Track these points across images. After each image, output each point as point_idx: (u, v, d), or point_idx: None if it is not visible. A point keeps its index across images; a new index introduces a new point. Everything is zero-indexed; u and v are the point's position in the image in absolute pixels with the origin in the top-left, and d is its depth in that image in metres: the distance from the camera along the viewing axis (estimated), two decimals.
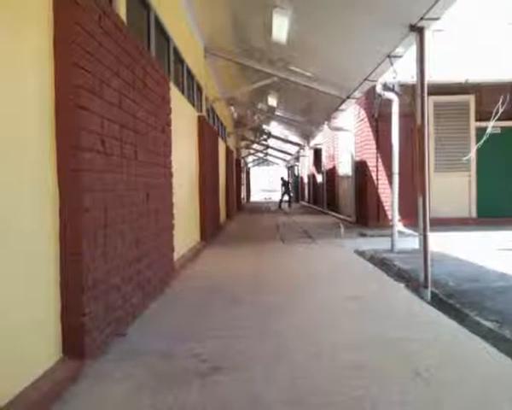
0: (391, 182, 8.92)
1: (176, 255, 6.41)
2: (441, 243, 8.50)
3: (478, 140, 11.74)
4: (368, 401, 2.69)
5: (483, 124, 11.71)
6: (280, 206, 26.37)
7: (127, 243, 4.16)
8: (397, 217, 8.71)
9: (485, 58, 11.36)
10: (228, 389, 2.88)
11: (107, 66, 3.68)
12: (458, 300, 4.97)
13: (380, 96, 10.07)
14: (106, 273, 3.60)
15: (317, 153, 24.04)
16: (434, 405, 2.66)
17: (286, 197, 27.42)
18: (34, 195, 2.86)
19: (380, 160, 12.69)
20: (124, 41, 4.15)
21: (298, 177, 36.12)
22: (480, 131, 11.71)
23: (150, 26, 6.23)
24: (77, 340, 3.15)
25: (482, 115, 12.13)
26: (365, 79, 9.14)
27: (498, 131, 11.96)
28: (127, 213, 4.16)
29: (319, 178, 23.81)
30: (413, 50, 5.77)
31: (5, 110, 2.56)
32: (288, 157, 37.15)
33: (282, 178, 28.47)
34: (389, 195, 10.35)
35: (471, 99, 12.56)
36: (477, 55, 11.37)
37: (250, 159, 41.91)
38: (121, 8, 4.79)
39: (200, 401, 2.75)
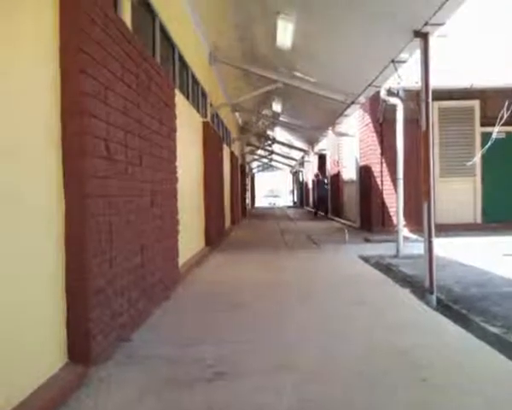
0: (396, 187, 8.90)
1: (181, 261, 6.41)
2: (447, 248, 8.46)
3: (483, 145, 11.70)
4: (374, 409, 2.68)
5: (488, 129, 11.65)
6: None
7: (132, 248, 4.16)
8: (402, 222, 8.68)
9: (490, 63, 11.33)
10: (231, 395, 2.87)
11: (112, 72, 3.71)
12: (464, 305, 4.95)
13: (384, 101, 10.07)
14: (111, 279, 3.60)
15: (322, 158, 24.02)
16: None
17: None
18: (39, 200, 2.87)
19: (384, 165, 12.67)
20: (129, 47, 4.17)
21: (302, 182, 36.05)
22: (486, 137, 11.66)
23: (155, 32, 6.26)
24: (82, 345, 3.15)
25: (487, 120, 12.09)
26: (369, 85, 9.14)
27: (503, 136, 11.91)
28: (132, 219, 4.17)
29: None
30: (417, 55, 5.77)
31: (11, 118, 2.58)
32: (292, 162, 37.15)
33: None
34: (394, 200, 10.32)
35: (476, 104, 12.53)
36: (482, 60, 11.34)
37: (255, 164, 41.92)
38: (126, 15, 4.82)
39: (204, 406, 2.74)
